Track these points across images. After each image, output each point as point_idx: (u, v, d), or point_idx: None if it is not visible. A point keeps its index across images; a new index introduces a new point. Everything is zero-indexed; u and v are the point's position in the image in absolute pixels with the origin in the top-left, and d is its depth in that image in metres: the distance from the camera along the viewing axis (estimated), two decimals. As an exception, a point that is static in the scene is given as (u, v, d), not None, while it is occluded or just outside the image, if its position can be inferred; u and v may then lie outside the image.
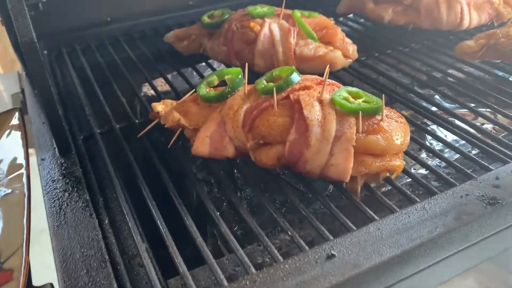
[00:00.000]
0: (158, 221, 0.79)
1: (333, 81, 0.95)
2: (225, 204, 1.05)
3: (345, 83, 1.24)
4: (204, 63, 1.48)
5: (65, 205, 0.80)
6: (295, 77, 0.91)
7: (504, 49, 1.22)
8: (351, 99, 0.86)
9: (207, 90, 1.00)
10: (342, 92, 0.88)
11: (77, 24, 1.55)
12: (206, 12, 1.49)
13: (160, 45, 1.52)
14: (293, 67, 0.94)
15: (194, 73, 1.45)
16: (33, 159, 0.95)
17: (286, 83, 0.90)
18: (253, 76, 1.28)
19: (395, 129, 0.85)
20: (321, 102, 0.86)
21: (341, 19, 1.71)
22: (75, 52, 1.48)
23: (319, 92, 0.88)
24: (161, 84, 1.59)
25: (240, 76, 0.96)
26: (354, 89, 0.90)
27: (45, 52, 1.46)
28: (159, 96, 1.25)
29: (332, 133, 0.82)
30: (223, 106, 0.94)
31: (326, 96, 0.87)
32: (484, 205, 0.75)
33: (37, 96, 0.83)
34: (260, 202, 0.88)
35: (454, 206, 0.75)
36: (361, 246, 0.68)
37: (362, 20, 1.71)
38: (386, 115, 0.86)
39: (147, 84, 1.44)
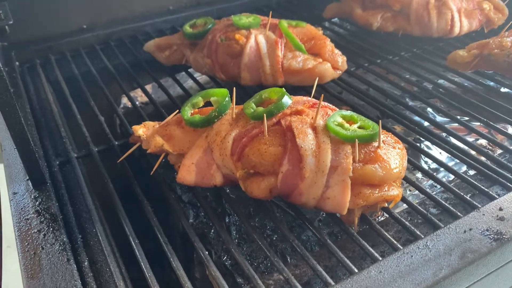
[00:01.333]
0: (142, 264, 0.74)
1: (327, 104, 0.90)
2: (213, 231, 0.99)
3: (333, 95, 1.20)
4: (183, 72, 1.41)
5: (40, 249, 0.73)
6: (286, 100, 0.86)
7: (498, 60, 1.18)
8: (346, 125, 0.81)
9: (192, 111, 0.94)
10: (336, 118, 0.82)
11: (51, 32, 1.46)
12: (187, 18, 1.43)
13: (138, 54, 1.45)
14: (283, 89, 0.88)
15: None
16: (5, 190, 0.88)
17: (276, 107, 0.84)
18: (239, 90, 1.23)
19: (393, 156, 0.80)
20: (314, 129, 0.81)
21: (326, 24, 1.66)
22: (49, 63, 1.40)
23: (312, 118, 0.83)
24: (141, 94, 1.52)
25: (227, 99, 0.90)
26: (349, 113, 0.85)
27: (17, 63, 1.37)
28: (138, 112, 1.18)
29: (327, 163, 0.77)
30: (209, 131, 0.88)
31: (320, 122, 0.82)
32: (490, 241, 0.71)
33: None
34: (250, 233, 0.82)
35: (458, 243, 0.71)
36: (362, 294, 0.64)
37: (348, 25, 1.66)
38: (383, 141, 0.82)
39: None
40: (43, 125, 1.13)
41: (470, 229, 0.73)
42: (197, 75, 1.40)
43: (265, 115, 0.82)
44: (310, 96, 0.96)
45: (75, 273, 0.70)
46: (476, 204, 0.81)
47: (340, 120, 0.82)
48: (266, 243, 0.91)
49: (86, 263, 0.75)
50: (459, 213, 0.79)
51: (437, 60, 1.33)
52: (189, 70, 1.39)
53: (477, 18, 1.41)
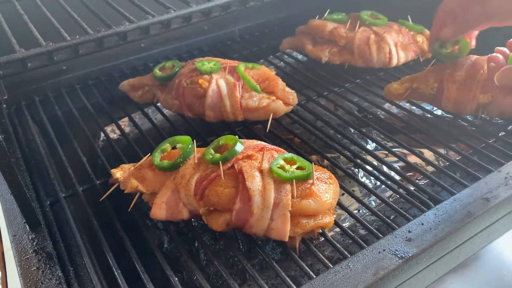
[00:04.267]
0: (124, 291, 0.91)
1: (273, 146, 1.08)
2: (183, 256, 1.17)
3: (285, 128, 1.39)
4: (153, 107, 1.58)
5: (40, 283, 0.90)
6: (239, 147, 1.04)
7: (424, 93, 1.39)
8: (287, 167, 1.00)
9: (161, 156, 1.11)
10: (279, 161, 1.01)
11: (35, 75, 1.61)
12: (158, 55, 1.60)
13: (114, 91, 1.61)
14: (236, 137, 1.06)
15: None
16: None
17: (230, 154, 1.02)
18: (205, 126, 1.41)
19: (324, 191, 0.99)
20: (261, 172, 0.99)
21: (284, 56, 1.85)
22: (34, 104, 1.55)
23: (259, 162, 1.01)
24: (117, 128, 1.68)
25: (190, 146, 1.08)
26: (289, 155, 1.04)
27: (4, 106, 1.52)
28: (113, 148, 1.35)
29: (271, 201, 0.95)
30: (176, 174, 1.06)
31: (265, 165, 1.00)
32: (397, 259, 0.90)
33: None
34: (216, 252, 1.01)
35: (374, 261, 0.90)
36: (295, 308, 0.83)
37: (301, 56, 1.85)
38: (317, 178, 1.01)
39: (106, 127, 1.55)
40: (33, 167, 1.29)
41: (384, 250, 0.92)
42: (165, 110, 1.57)
43: (220, 162, 1.00)
44: (266, 129, 1.17)
45: (70, 304, 0.87)
46: (395, 225, 1.00)
47: (282, 162, 1.01)
48: (229, 264, 1.10)
49: (78, 293, 0.93)
50: (380, 235, 0.99)
51: (377, 90, 1.53)
52: (158, 104, 1.56)
53: (412, 50, 1.62)
